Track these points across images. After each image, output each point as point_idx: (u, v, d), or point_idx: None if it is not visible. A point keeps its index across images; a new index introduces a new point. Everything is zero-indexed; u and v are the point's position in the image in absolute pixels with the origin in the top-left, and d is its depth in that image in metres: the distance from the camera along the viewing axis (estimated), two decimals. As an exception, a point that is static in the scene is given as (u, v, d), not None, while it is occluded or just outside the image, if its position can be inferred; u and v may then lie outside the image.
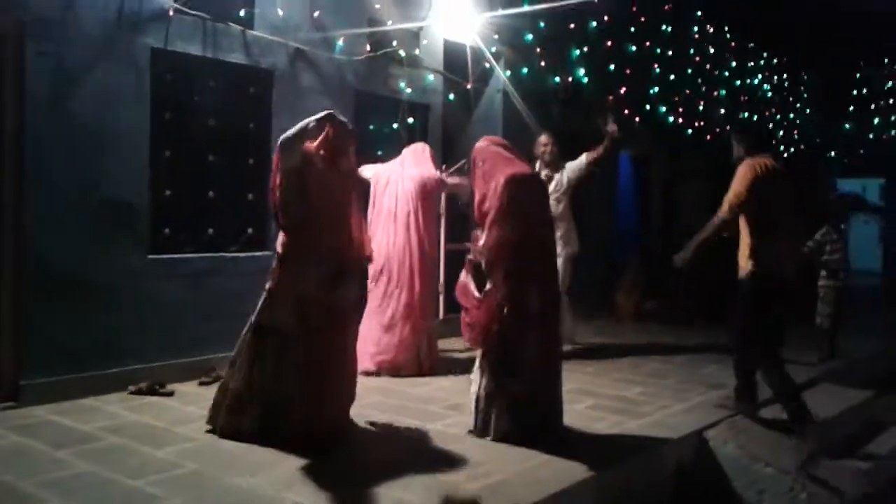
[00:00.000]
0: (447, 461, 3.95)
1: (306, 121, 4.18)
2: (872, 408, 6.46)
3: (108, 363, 5.10)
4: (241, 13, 5.78)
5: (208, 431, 4.30)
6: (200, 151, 5.73)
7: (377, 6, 6.71)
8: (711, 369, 6.60)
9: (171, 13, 5.35)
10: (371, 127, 7.02)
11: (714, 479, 4.62)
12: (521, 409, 4.26)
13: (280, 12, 6.00)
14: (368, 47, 6.71)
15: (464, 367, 5.56)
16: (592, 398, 5.37)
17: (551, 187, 6.59)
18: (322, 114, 4.25)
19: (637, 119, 9.93)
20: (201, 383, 5.42)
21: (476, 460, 3.97)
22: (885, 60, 15.08)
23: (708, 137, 11.80)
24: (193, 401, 5.02)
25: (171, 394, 5.14)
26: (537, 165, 6.74)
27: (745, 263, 5.09)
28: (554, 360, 4.44)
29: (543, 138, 6.86)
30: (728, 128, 11.95)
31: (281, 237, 4.23)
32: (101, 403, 4.86)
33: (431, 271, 6.28)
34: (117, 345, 5.15)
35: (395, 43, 6.89)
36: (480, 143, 4.57)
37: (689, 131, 11.35)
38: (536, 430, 4.27)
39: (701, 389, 5.80)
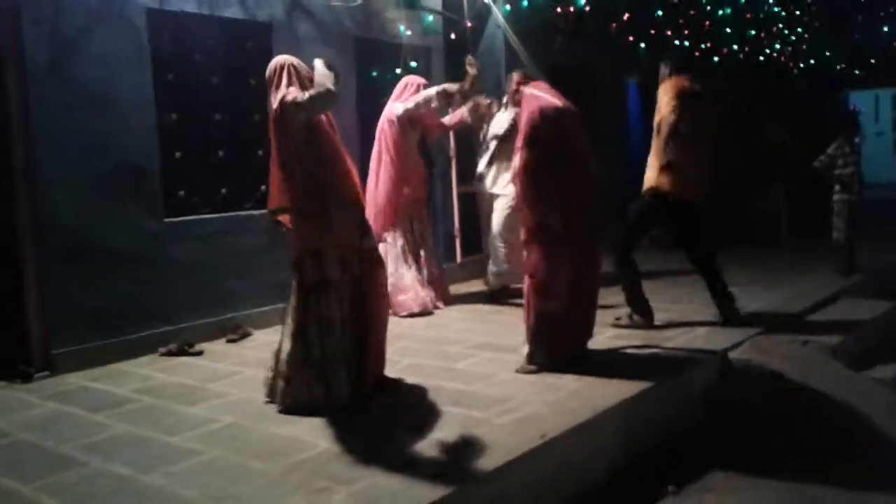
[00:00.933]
0: (477, 399, 4.01)
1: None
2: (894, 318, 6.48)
3: (137, 327, 5.18)
4: (234, -35, 5.68)
5: (271, 404, 4.07)
6: (206, 111, 5.70)
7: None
8: (732, 291, 6.60)
9: (163, -29, 5.27)
10: (374, 73, 6.94)
11: (741, 398, 4.67)
12: (559, 333, 4.38)
13: (273, -38, 5.89)
14: (365, -9, 6.60)
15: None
16: (617, 328, 5.39)
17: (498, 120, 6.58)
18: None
19: (642, 45, 9.74)
20: (229, 340, 5.51)
21: (505, 395, 4.03)
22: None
23: (715, 59, 11.58)
24: (223, 358, 5.11)
25: (200, 353, 5.23)
26: (504, 99, 6.50)
27: (654, 179, 5.25)
28: (587, 283, 4.50)
29: (517, 76, 6.62)
30: (725, 50, 11.80)
31: (285, 191, 4.03)
32: (133, 367, 4.96)
33: (413, 212, 6.33)
34: (143, 309, 5.22)
35: (391, -16, 6.77)
36: (525, 90, 4.68)
37: (696, 54, 11.14)
38: (573, 354, 4.44)
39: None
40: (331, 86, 3.87)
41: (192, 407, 4.12)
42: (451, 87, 6.27)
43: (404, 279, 6.17)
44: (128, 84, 5.14)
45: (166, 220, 5.37)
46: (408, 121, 6.20)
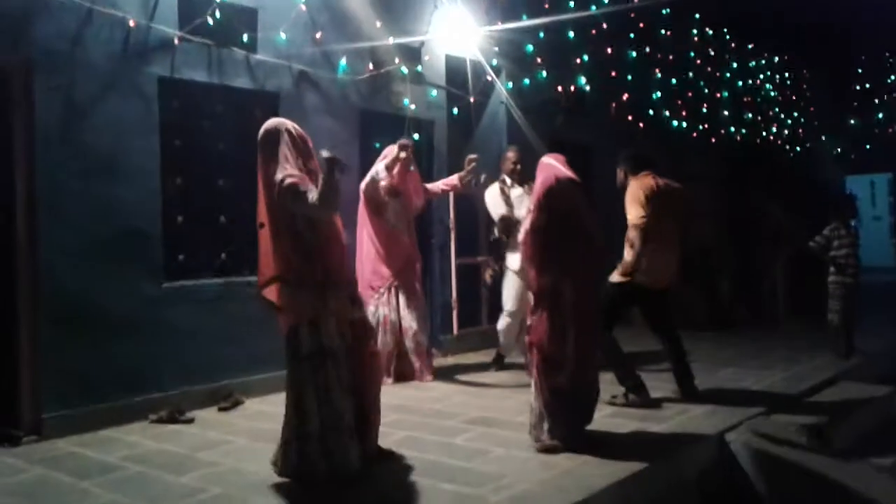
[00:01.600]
0: (471, 475, 3.95)
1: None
2: (894, 402, 6.43)
3: (128, 393, 5.13)
4: (245, 38, 5.84)
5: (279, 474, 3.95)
6: (210, 177, 5.79)
7: (378, 24, 6.76)
8: (727, 372, 6.59)
9: (176, 41, 5.43)
10: (377, 144, 7.05)
11: (737, 483, 4.60)
12: (574, 406, 4.37)
13: (283, 35, 6.06)
14: (371, 66, 6.77)
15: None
16: (612, 406, 5.35)
17: (516, 196, 6.54)
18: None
19: (641, 125, 9.95)
20: (221, 409, 5.45)
21: (499, 472, 3.97)
22: (887, 54, 15.09)
23: (713, 140, 11.80)
24: (214, 426, 5.04)
25: (191, 421, 5.16)
26: (504, 178, 6.62)
27: (621, 270, 5.39)
28: (592, 355, 4.49)
29: (511, 154, 6.71)
30: (722, 132, 12.03)
31: (280, 260, 3.92)
32: (123, 433, 4.89)
33: (400, 283, 6.32)
34: (136, 374, 5.18)
35: (397, 60, 6.95)
36: (543, 159, 4.78)
37: (694, 135, 11.36)
38: (583, 432, 4.42)
39: (720, 392, 5.77)
40: (334, 201, 3.80)
41: (180, 476, 4.05)
42: (390, 161, 6.24)
43: None
44: (135, 150, 5.23)
45: (164, 284, 5.38)
46: (377, 190, 6.19)
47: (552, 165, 4.62)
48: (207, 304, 5.59)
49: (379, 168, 6.20)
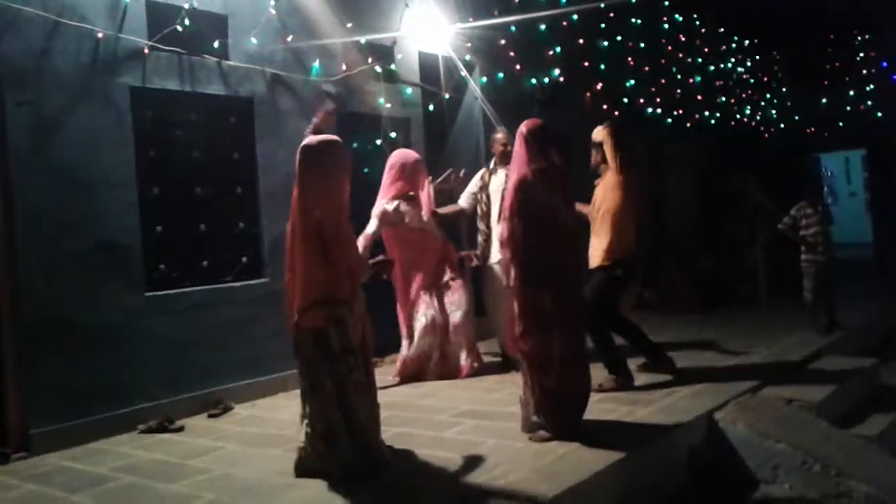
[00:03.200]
0: (465, 467, 3.97)
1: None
2: (880, 373, 6.52)
3: (116, 404, 5.11)
4: (216, 44, 5.82)
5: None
6: (188, 185, 5.76)
7: (349, 25, 6.76)
8: (712, 353, 6.65)
9: (146, 51, 5.39)
10: (354, 145, 7.06)
11: (727, 460, 4.65)
12: (566, 402, 4.37)
13: (254, 40, 6.04)
14: (344, 66, 6.76)
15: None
16: (598, 393, 5.37)
17: (496, 183, 6.41)
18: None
19: (616, 113, 10.01)
20: (210, 416, 5.43)
21: (493, 462, 3.99)
22: (854, 32, 15.25)
23: (688, 125, 11.89)
24: (204, 434, 5.03)
25: (181, 429, 5.15)
26: (492, 162, 6.57)
27: (601, 257, 5.55)
28: (580, 356, 4.47)
29: (500, 135, 6.58)
30: (697, 117, 12.11)
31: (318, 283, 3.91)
32: (113, 445, 4.87)
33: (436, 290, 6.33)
34: (123, 385, 5.15)
35: (369, 60, 6.95)
36: (519, 132, 4.62)
37: (670, 121, 11.44)
38: (577, 425, 4.41)
39: (706, 373, 5.83)
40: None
41: (172, 484, 4.03)
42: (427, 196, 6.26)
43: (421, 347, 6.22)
44: (110, 161, 5.19)
45: (146, 294, 5.36)
46: (401, 219, 6.16)
47: (521, 159, 4.48)
48: (191, 312, 5.57)
49: (399, 204, 6.14)
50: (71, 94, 5.04)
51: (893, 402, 6.04)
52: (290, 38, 6.32)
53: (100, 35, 5.16)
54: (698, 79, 12.23)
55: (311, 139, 4.07)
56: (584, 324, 4.64)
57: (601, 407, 4.97)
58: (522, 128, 4.59)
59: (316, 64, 6.53)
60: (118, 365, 5.12)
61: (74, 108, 5.05)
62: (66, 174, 4.97)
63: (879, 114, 15.23)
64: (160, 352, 5.35)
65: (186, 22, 5.52)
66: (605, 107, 9.82)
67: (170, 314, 5.45)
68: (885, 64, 15.19)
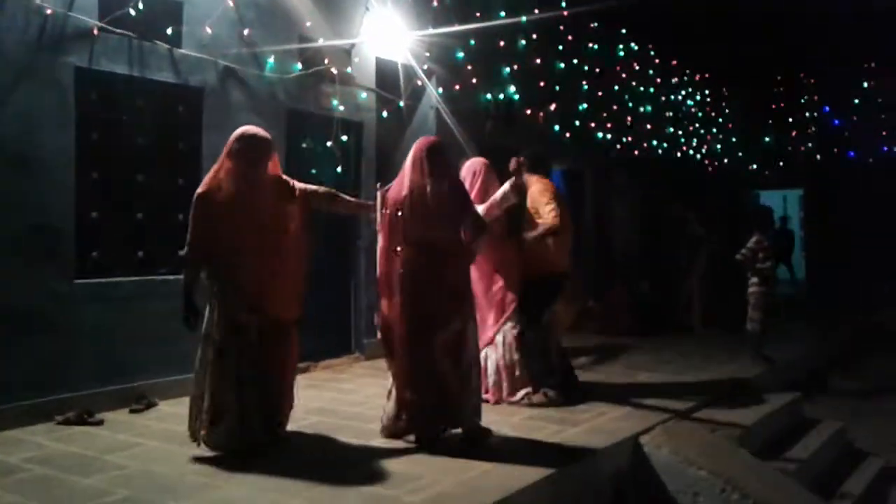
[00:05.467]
0: (386, 475, 3.93)
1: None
2: (803, 407, 6.71)
3: (34, 393, 4.93)
4: (168, 31, 5.70)
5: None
6: (129, 172, 5.62)
7: (308, 24, 6.71)
8: (644, 376, 6.75)
9: (95, 32, 5.25)
10: (304, 145, 6.99)
11: (649, 484, 4.71)
12: (421, 414, 4.53)
13: (208, 30, 5.94)
14: (300, 65, 6.70)
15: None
16: (532, 409, 5.40)
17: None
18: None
19: (567, 134, 10.14)
20: (132, 411, 5.28)
21: (415, 473, 3.96)
22: (801, 74, 15.76)
23: (635, 153, 12.12)
24: (124, 429, 4.88)
25: (100, 423, 4.99)
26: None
27: (546, 265, 5.65)
28: (423, 370, 4.51)
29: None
30: (645, 145, 12.36)
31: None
32: (27, 435, 4.69)
33: None
34: (43, 373, 4.98)
35: (326, 61, 6.89)
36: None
37: (618, 146, 11.64)
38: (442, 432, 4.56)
39: (636, 396, 5.91)
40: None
41: (86, 479, 3.90)
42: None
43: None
44: (49, 142, 5.03)
45: (76, 280, 5.19)
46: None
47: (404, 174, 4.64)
48: (121, 303, 5.42)
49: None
50: (13, 70, 4.87)
51: (814, 435, 6.21)
52: (245, 32, 6.23)
53: (48, 11, 5.02)
54: (649, 108, 12.48)
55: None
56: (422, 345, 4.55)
57: (530, 424, 5.00)
58: (421, 144, 4.70)
59: (271, 60, 6.45)
60: (40, 352, 4.95)
61: (15, 85, 4.88)
62: (2, 152, 4.79)
63: (819, 156, 15.75)
64: (85, 341, 5.19)
65: (140, 5, 5.39)
66: (556, 127, 9.95)
67: (99, 303, 5.29)
68: (826, 108, 15.74)
